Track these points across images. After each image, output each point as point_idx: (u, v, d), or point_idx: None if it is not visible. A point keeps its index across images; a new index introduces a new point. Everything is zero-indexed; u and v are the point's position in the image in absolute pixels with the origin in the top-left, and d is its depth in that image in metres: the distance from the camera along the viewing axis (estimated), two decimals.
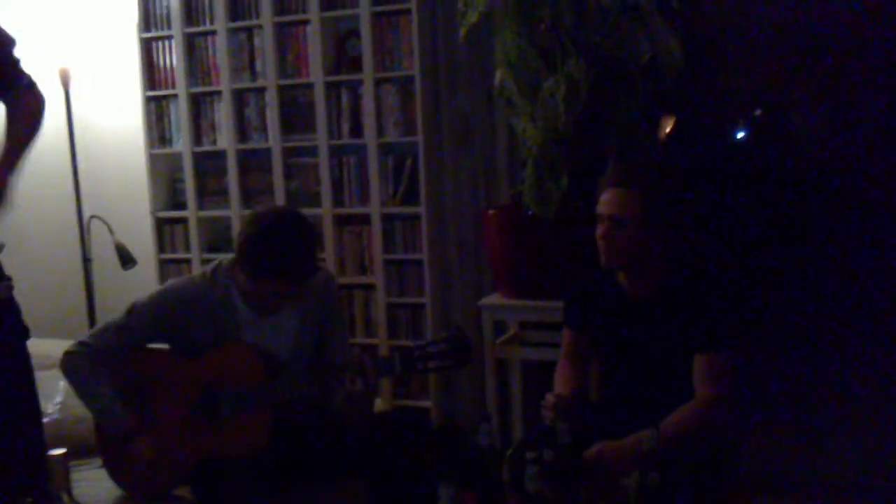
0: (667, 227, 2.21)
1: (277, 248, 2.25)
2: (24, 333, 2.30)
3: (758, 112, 3.31)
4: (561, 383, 2.39)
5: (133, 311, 2.40)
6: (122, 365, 2.39)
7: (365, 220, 3.64)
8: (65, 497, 2.11)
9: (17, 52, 2.30)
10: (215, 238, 3.94)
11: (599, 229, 2.21)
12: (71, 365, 2.40)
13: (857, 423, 3.13)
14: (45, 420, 2.98)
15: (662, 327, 2.22)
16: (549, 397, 2.19)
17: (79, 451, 2.62)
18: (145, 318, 2.38)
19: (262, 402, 2.31)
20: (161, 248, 3.99)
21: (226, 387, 2.33)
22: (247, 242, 2.29)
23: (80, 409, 2.80)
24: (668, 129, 3.11)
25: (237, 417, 2.32)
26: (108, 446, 2.45)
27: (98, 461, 2.55)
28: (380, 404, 3.55)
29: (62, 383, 3.01)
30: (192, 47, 3.84)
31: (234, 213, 3.83)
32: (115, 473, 2.47)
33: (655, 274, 2.25)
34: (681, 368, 2.20)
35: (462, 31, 2.94)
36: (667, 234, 2.21)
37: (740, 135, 3.27)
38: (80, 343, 2.41)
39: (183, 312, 2.36)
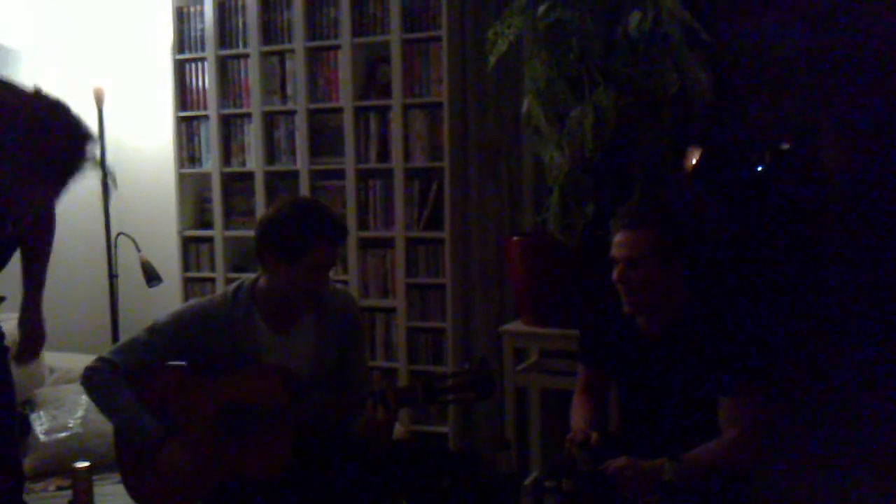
0: (681, 266, 2.20)
1: (313, 215, 2.32)
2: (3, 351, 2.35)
3: (785, 145, 3.30)
4: (578, 417, 2.38)
5: (155, 328, 2.42)
6: (142, 382, 2.40)
7: (389, 243, 3.66)
8: None
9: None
10: (240, 258, 3.97)
11: (615, 273, 2.22)
12: (92, 379, 2.40)
13: (875, 456, 3.08)
14: (66, 434, 3.04)
15: (681, 367, 2.20)
16: (577, 434, 2.17)
17: (100, 466, 2.64)
18: (167, 335, 2.40)
19: (282, 425, 2.31)
20: (186, 266, 4.02)
21: (247, 407, 2.33)
22: (280, 226, 2.32)
23: (101, 423, 2.82)
24: (694, 160, 3.11)
25: (257, 439, 2.31)
26: (128, 462, 2.44)
27: (118, 475, 2.55)
28: (398, 430, 3.55)
29: (84, 398, 3.04)
30: (225, 70, 3.90)
31: None
32: (134, 490, 2.45)
33: (672, 313, 2.23)
34: (700, 408, 2.18)
35: (491, 60, 2.96)
36: (682, 272, 2.21)
37: (767, 165, 3.26)
38: (101, 359, 2.42)
39: (204, 331, 2.39)
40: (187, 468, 2.32)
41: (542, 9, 2.82)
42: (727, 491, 2.12)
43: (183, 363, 2.46)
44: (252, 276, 2.49)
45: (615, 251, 2.22)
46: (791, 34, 3.03)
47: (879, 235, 3.13)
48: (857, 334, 3.11)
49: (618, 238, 2.23)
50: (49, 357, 3.44)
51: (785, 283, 3.18)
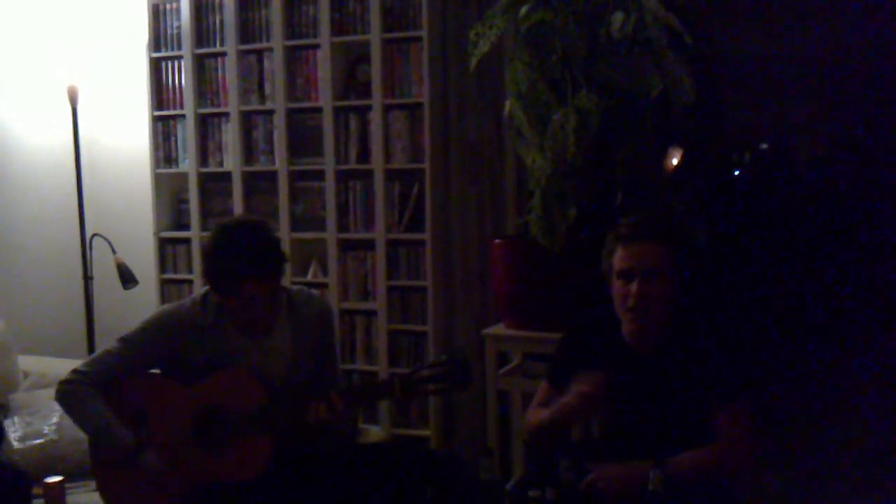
0: (682, 280, 2.18)
1: (243, 248, 2.23)
2: None
3: (764, 146, 3.30)
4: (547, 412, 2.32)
5: (126, 338, 2.40)
6: (117, 392, 2.37)
7: (369, 245, 3.62)
8: None
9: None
10: None
11: (635, 286, 2.12)
12: (65, 392, 2.37)
13: (857, 463, 3.09)
14: (40, 441, 2.98)
15: (673, 383, 2.18)
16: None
17: (74, 473, 2.60)
18: (139, 344, 2.38)
19: (261, 427, 2.28)
20: (163, 268, 3.97)
21: (224, 411, 2.31)
22: (211, 261, 2.29)
23: (76, 430, 2.76)
24: (675, 162, 3.11)
25: (236, 442, 2.29)
26: (104, 470, 2.41)
27: (93, 483, 2.51)
28: (378, 433, 3.52)
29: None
30: (202, 68, 3.85)
31: None
32: (111, 499, 2.43)
33: (662, 326, 2.19)
34: (689, 421, 2.17)
35: (473, 61, 2.93)
36: (680, 286, 2.18)
37: (746, 168, 3.26)
38: (74, 371, 2.40)
39: (176, 337, 2.37)
40: (166, 473, 2.29)
41: (524, 10, 2.80)
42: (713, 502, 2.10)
43: (157, 371, 2.44)
44: None
45: (630, 263, 2.12)
46: (772, 37, 3.04)
47: (859, 236, 3.14)
48: (843, 337, 3.12)
49: (634, 249, 2.13)
50: (23, 361, 3.39)
51: (768, 286, 3.18)
